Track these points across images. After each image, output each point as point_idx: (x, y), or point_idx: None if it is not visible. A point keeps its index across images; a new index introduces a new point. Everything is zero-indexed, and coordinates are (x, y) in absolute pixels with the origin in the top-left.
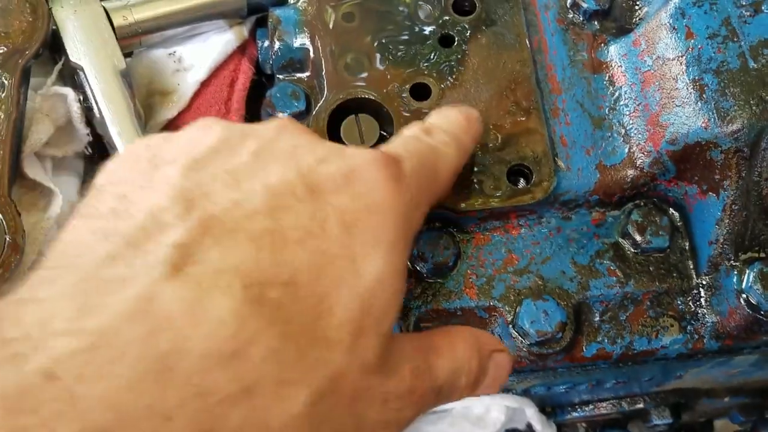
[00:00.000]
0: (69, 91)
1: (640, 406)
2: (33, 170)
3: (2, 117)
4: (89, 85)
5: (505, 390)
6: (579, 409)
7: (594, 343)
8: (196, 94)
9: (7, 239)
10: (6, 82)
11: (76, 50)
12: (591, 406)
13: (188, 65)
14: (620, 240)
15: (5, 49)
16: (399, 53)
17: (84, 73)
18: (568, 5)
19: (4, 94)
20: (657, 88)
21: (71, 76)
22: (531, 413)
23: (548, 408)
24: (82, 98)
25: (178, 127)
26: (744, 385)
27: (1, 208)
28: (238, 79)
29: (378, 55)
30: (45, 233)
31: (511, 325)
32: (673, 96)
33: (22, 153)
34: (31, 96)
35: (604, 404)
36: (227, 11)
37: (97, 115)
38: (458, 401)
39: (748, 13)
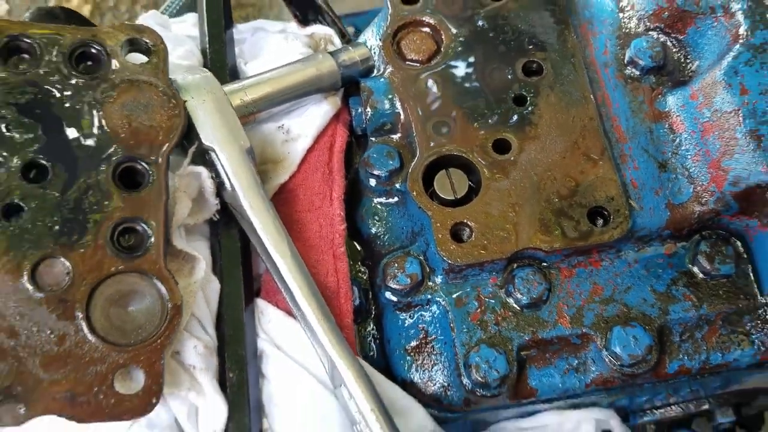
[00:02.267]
0: (202, 170)
1: (706, 407)
2: (178, 241)
3: (156, 201)
4: (221, 163)
5: (592, 404)
6: (650, 413)
7: (675, 361)
8: (303, 160)
9: (169, 305)
10: (155, 171)
11: (207, 135)
12: (662, 410)
13: (295, 135)
14: (692, 268)
15: (153, 140)
16: (480, 113)
17: (215, 154)
18: (625, 62)
19: (155, 183)
20: (717, 137)
21: (201, 156)
22: (615, 424)
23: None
24: (213, 175)
25: (289, 189)
26: None
27: (162, 279)
28: (335, 142)
29: (461, 117)
30: (194, 295)
31: (604, 350)
32: (733, 144)
33: (170, 228)
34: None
35: (674, 407)
36: (324, 86)
37: (229, 188)
38: (550, 416)
39: None
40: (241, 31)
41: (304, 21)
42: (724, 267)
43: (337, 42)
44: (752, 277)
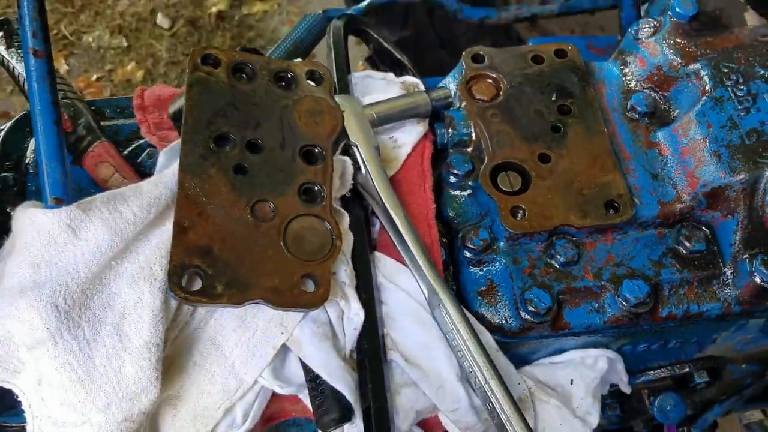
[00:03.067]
0: (347, 159)
1: (686, 370)
2: (334, 202)
3: (324, 173)
4: (360, 154)
5: (605, 345)
6: (644, 375)
7: (665, 308)
8: (405, 161)
9: (334, 238)
10: (325, 154)
11: (353, 134)
12: (653, 373)
13: (400, 144)
14: (676, 246)
15: (323, 134)
16: (528, 136)
17: (357, 148)
18: (628, 108)
19: (325, 162)
20: (691, 156)
21: (347, 149)
22: (620, 368)
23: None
24: (353, 162)
25: (396, 180)
26: (755, 353)
27: (330, 221)
28: (425, 152)
29: (516, 137)
30: (345, 236)
31: (617, 296)
32: (702, 160)
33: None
34: None
35: (663, 370)
36: (420, 113)
37: (363, 172)
38: (575, 353)
39: (742, 113)
40: (355, 77)
41: (396, 74)
42: (698, 245)
43: (422, 87)
44: (717, 253)
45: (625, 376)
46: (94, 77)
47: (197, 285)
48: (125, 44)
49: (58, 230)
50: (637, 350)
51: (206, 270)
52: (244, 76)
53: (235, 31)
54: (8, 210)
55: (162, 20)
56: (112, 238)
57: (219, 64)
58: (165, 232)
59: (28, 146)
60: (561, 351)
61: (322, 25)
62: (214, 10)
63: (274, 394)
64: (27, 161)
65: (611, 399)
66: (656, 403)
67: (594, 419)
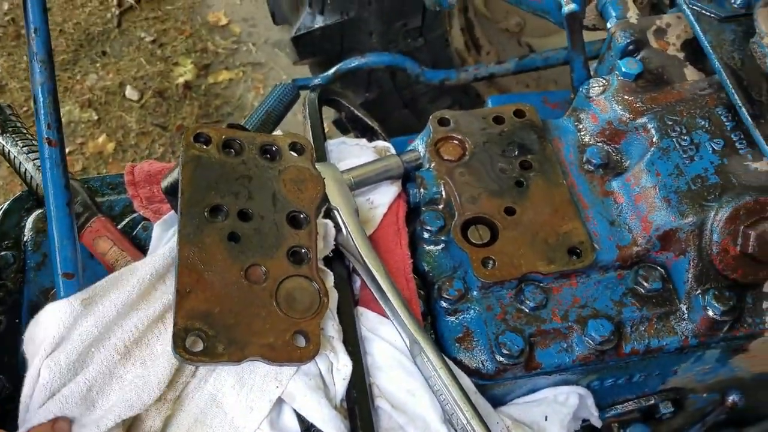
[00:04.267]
0: (329, 221)
1: (652, 402)
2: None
3: (310, 236)
4: (340, 218)
5: (575, 382)
6: (613, 409)
7: (628, 344)
8: (381, 221)
9: (321, 296)
10: (310, 218)
11: (333, 199)
12: (621, 406)
13: (376, 205)
14: (635, 286)
15: (307, 200)
16: (494, 192)
17: (338, 212)
18: (584, 161)
19: (309, 226)
20: (643, 203)
21: (327, 212)
22: (590, 403)
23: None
24: (334, 225)
25: (373, 239)
26: (714, 383)
27: (317, 281)
28: (400, 211)
29: (483, 193)
30: (331, 293)
31: (583, 335)
32: (654, 206)
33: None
34: None
35: (630, 403)
36: (393, 175)
37: (344, 233)
38: (547, 392)
39: (687, 161)
40: (330, 144)
41: (368, 139)
42: (654, 284)
43: (393, 150)
44: (673, 291)
45: (596, 411)
46: (67, 150)
47: (199, 346)
48: (95, 117)
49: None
50: (605, 385)
51: (207, 332)
52: (233, 150)
53: (203, 100)
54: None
55: (131, 92)
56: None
57: (210, 141)
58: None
59: (25, 225)
60: (534, 390)
61: (292, 93)
62: (181, 80)
63: None
64: (25, 239)
65: None
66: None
67: None
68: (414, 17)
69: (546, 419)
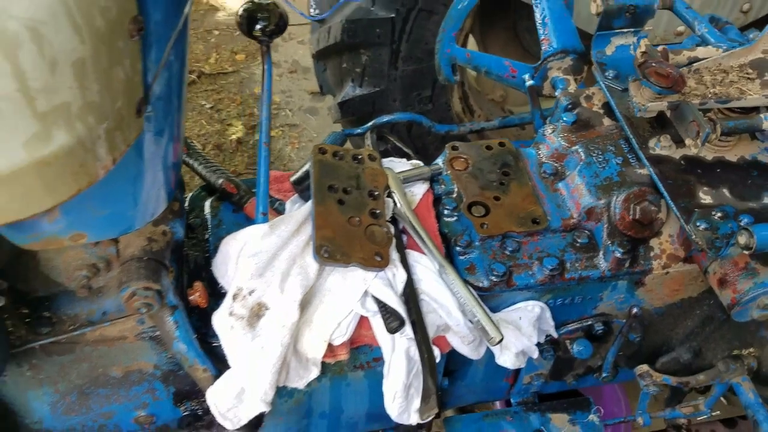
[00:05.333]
0: (389, 200)
1: (589, 323)
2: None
3: (381, 209)
4: (397, 198)
5: (538, 299)
6: (564, 328)
7: (568, 273)
8: (419, 203)
9: (390, 237)
10: (381, 199)
11: (392, 186)
12: (569, 326)
13: (415, 194)
14: (572, 241)
15: (380, 186)
16: (486, 187)
17: (395, 194)
18: (541, 172)
19: (380, 203)
20: (577, 194)
21: (388, 195)
22: (548, 316)
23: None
24: (393, 202)
25: (414, 212)
26: (628, 312)
27: (386, 227)
28: (429, 197)
29: (479, 188)
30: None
31: (541, 266)
32: (582, 194)
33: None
34: None
35: (574, 323)
36: (425, 177)
37: (398, 207)
38: (521, 304)
39: (601, 169)
40: (384, 162)
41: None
42: (583, 240)
43: (422, 165)
44: (594, 244)
45: (552, 323)
46: None
47: (327, 255)
48: None
49: (261, 236)
50: (557, 304)
51: (330, 248)
52: (338, 157)
53: (251, 152)
54: (199, 236)
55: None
56: (280, 238)
57: (326, 152)
58: (305, 234)
59: (204, 204)
60: (512, 303)
61: (342, 137)
62: (234, 137)
63: (358, 323)
64: (205, 213)
65: (547, 345)
66: (574, 346)
67: (534, 339)
68: (426, 89)
69: (520, 319)
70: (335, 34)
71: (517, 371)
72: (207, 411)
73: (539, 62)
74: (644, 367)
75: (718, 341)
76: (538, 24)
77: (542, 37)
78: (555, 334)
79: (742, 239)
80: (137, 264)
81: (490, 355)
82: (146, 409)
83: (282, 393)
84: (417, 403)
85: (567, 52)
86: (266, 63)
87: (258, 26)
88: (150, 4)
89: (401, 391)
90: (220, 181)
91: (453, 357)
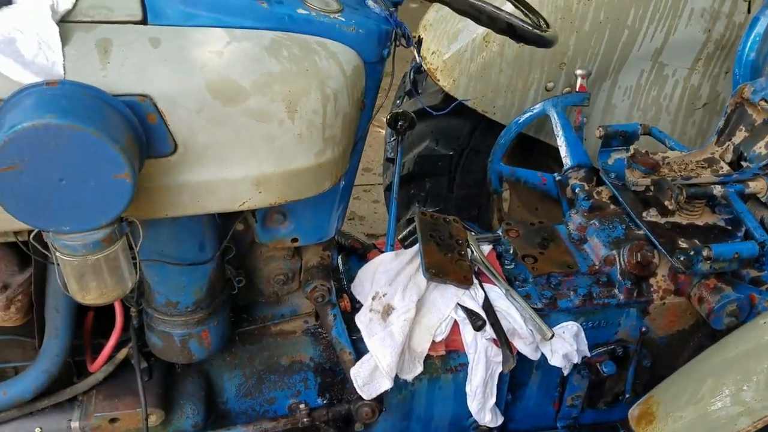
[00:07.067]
0: (468, 250)
1: (612, 347)
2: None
3: (466, 252)
4: (475, 248)
5: (574, 320)
6: (594, 352)
7: (594, 299)
8: (487, 254)
9: (472, 268)
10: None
11: (470, 242)
12: (596, 350)
13: (484, 250)
14: (596, 279)
15: (463, 238)
16: (533, 244)
17: (473, 246)
18: (570, 237)
19: (466, 249)
20: (596, 248)
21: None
22: (582, 335)
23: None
24: (471, 251)
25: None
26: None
27: (468, 262)
28: (494, 255)
29: (529, 246)
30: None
31: (576, 295)
32: (600, 248)
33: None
34: None
35: (601, 348)
36: (490, 241)
37: (476, 255)
38: (563, 322)
39: (611, 232)
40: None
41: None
42: (603, 278)
43: (489, 233)
44: (611, 280)
45: (585, 343)
46: None
47: (432, 273)
48: None
49: (391, 258)
50: (587, 326)
51: (434, 270)
52: (433, 218)
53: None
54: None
55: None
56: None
57: (426, 214)
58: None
59: (337, 257)
60: (557, 324)
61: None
62: None
63: (452, 329)
64: (337, 262)
65: (583, 366)
66: (602, 366)
67: (574, 346)
68: (473, 209)
69: (563, 333)
70: (408, 166)
71: (561, 397)
72: (341, 401)
73: (562, 171)
74: None
75: None
76: (560, 148)
77: (563, 156)
78: (588, 354)
79: (704, 252)
80: (316, 269)
81: (540, 379)
82: (298, 397)
83: (393, 387)
84: (492, 402)
85: (581, 167)
86: (399, 147)
87: (399, 123)
88: (368, 93)
89: (481, 387)
90: (349, 240)
91: (513, 379)
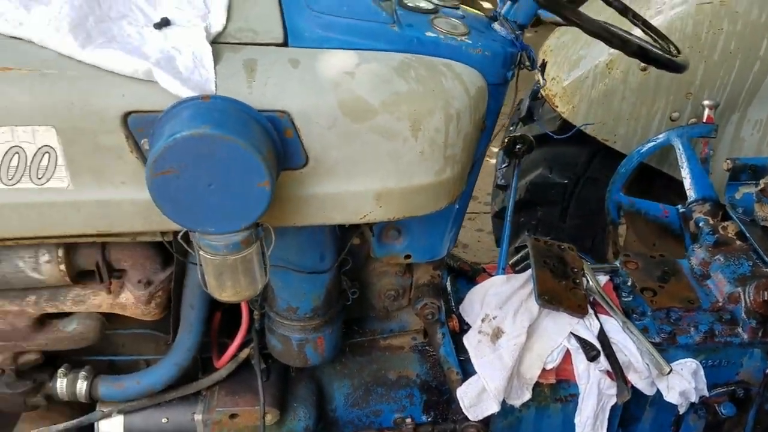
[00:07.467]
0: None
1: (732, 388)
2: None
3: (580, 281)
4: (591, 279)
5: (695, 357)
6: (713, 392)
7: (717, 337)
8: (603, 286)
9: (587, 297)
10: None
11: (587, 273)
12: (716, 390)
13: (601, 282)
14: (718, 315)
15: (579, 266)
16: (653, 277)
17: (589, 277)
18: (692, 272)
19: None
20: (720, 285)
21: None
22: (701, 373)
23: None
24: (587, 281)
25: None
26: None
27: (583, 291)
28: (611, 286)
29: (649, 279)
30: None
31: (697, 331)
32: (724, 285)
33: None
34: None
35: (720, 389)
36: (607, 272)
37: (592, 285)
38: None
39: (737, 268)
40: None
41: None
42: (726, 316)
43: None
44: (735, 318)
45: (704, 381)
46: None
47: (546, 299)
48: None
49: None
50: (707, 365)
51: (547, 296)
52: (547, 244)
53: None
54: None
55: None
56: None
57: (539, 240)
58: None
59: (446, 278)
60: (675, 360)
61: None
62: None
63: (563, 358)
64: (445, 283)
65: (700, 405)
66: (721, 408)
67: (692, 384)
68: (587, 240)
69: (681, 369)
70: (520, 193)
71: None
72: (445, 420)
73: (686, 204)
74: None
75: None
76: (684, 180)
77: (688, 188)
78: (706, 393)
79: None
80: (427, 287)
81: (654, 416)
82: (403, 412)
83: (500, 412)
84: None
85: (706, 200)
86: (516, 170)
87: (517, 146)
88: (490, 114)
89: (591, 419)
90: (458, 263)
91: (625, 413)
